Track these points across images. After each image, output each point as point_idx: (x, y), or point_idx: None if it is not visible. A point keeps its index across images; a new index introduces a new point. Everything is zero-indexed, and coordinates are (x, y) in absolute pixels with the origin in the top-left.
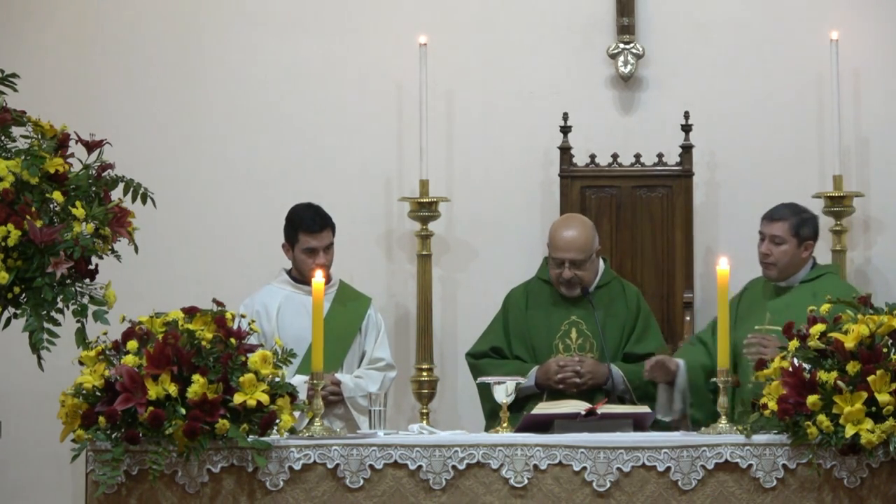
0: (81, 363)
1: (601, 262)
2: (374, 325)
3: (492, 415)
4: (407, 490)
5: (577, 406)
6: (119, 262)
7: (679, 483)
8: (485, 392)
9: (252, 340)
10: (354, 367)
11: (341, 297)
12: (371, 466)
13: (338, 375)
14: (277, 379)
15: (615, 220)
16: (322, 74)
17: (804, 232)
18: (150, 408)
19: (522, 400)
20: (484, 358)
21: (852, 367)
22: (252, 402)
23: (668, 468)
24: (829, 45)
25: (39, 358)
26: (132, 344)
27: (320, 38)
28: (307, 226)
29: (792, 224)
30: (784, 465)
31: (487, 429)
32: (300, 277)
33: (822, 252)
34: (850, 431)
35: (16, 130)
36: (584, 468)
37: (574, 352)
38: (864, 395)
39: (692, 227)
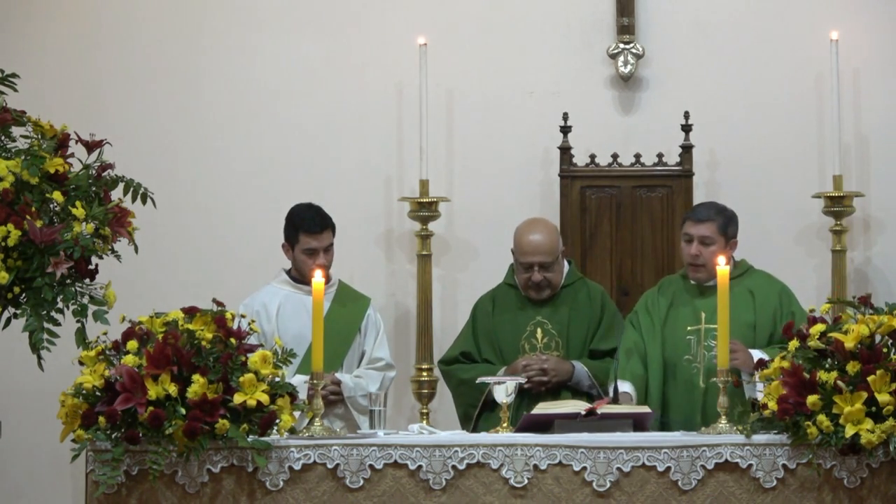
0: (81, 363)
1: (566, 263)
2: (374, 324)
3: (465, 419)
4: (407, 490)
5: (577, 406)
6: (119, 262)
7: (679, 483)
8: (459, 394)
9: (252, 340)
10: (354, 367)
11: (341, 297)
12: (371, 466)
13: (338, 375)
14: (277, 379)
15: (615, 220)
16: (322, 74)
17: (731, 231)
18: (150, 408)
19: (493, 402)
20: (454, 364)
21: (852, 367)
22: (252, 402)
23: (668, 468)
24: (829, 45)
25: (39, 358)
26: (132, 344)
27: (320, 38)
28: (308, 226)
29: (719, 224)
30: (784, 465)
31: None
32: (300, 277)
33: (822, 252)
34: (850, 431)
35: (16, 130)
36: (584, 468)
37: (539, 351)
38: (864, 395)
39: None
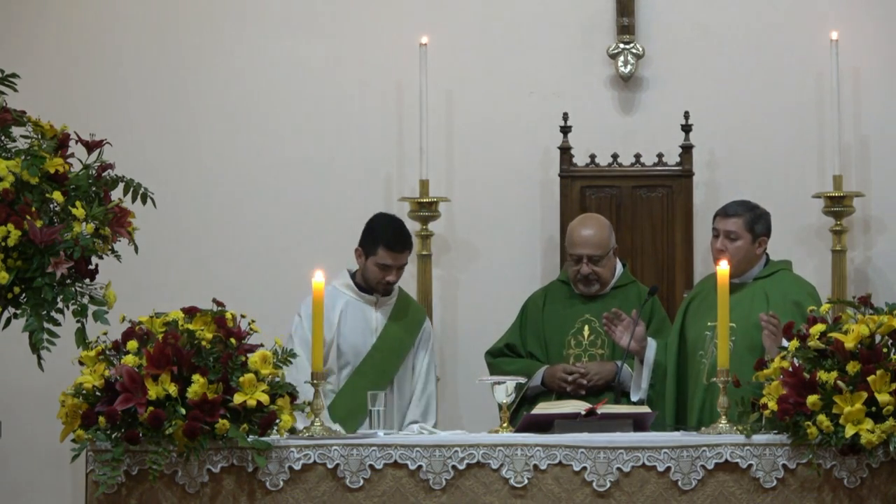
0: (81, 363)
1: (619, 264)
2: (426, 338)
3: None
4: (407, 490)
5: (577, 406)
6: (119, 262)
7: (679, 483)
8: None
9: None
10: (406, 380)
11: (399, 310)
12: (371, 466)
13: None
14: (277, 379)
15: (615, 220)
16: (322, 74)
17: (758, 228)
18: (150, 408)
19: (532, 398)
20: (500, 356)
21: (852, 367)
22: (252, 402)
23: (668, 468)
24: (829, 45)
25: (39, 358)
26: (132, 344)
27: (320, 38)
28: (391, 244)
29: (747, 220)
30: (784, 465)
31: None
32: (364, 285)
33: (822, 252)
34: (850, 431)
35: (16, 130)
36: (584, 468)
37: (584, 348)
38: (864, 395)
39: (692, 227)
